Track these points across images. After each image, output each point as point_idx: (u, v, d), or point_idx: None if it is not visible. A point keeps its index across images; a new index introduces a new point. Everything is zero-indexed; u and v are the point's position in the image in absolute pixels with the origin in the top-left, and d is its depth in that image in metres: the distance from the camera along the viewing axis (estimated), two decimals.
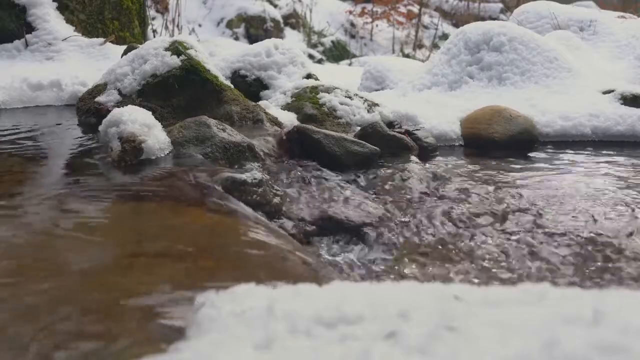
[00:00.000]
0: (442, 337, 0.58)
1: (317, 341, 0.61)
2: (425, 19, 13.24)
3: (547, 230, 1.70)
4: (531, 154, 2.86)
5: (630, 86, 3.64)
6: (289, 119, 2.53)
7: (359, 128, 2.56)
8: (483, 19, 11.06)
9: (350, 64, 9.35)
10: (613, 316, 0.60)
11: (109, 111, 1.95)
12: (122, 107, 1.93)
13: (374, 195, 1.92)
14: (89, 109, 2.43)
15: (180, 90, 2.35)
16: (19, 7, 3.72)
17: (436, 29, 12.74)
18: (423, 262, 1.50)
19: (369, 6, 12.41)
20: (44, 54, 3.60)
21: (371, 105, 2.87)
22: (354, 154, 2.16)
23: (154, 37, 5.88)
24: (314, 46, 11.01)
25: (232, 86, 2.58)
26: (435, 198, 1.99)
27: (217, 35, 9.67)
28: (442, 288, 0.76)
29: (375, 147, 2.24)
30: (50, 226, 1.25)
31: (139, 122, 1.80)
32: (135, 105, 2.08)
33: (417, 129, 2.77)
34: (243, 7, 10.67)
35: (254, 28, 10.44)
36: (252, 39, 9.75)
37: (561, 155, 2.85)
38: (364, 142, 2.23)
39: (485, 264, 1.50)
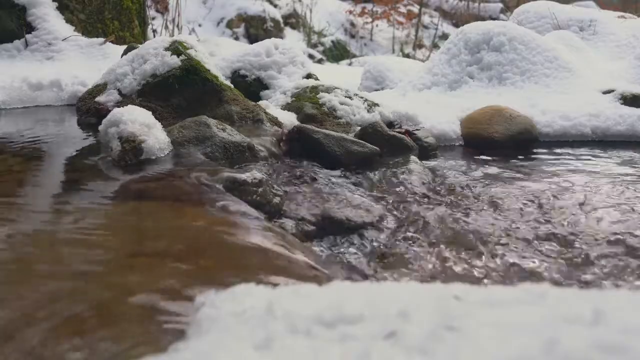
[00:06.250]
0: (442, 337, 0.58)
1: (317, 341, 0.61)
2: (425, 19, 13.24)
3: (548, 230, 1.70)
4: (531, 154, 2.86)
5: (630, 86, 3.64)
6: (289, 119, 2.53)
7: (359, 128, 2.56)
8: (483, 18, 11.06)
9: (350, 64, 9.35)
10: (613, 316, 0.60)
11: (109, 111, 1.95)
12: (122, 107, 1.93)
13: (374, 195, 1.92)
14: (89, 109, 2.43)
15: (180, 90, 2.35)
16: (19, 7, 3.72)
17: (436, 29, 12.74)
18: (423, 261, 1.50)
19: (369, 6, 12.41)
20: (44, 53, 3.60)
21: (371, 105, 2.87)
22: (354, 153, 2.16)
23: (154, 37, 5.88)
24: (314, 46, 11.01)
25: (232, 86, 2.58)
26: (435, 198, 1.98)
27: (217, 35, 9.67)
28: (442, 288, 0.76)
29: (375, 147, 2.24)
30: (51, 226, 1.25)
31: (138, 122, 1.80)
32: (135, 105, 2.08)
33: (417, 129, 2.77)
34: (243, 7, 10.68)
35: (254, 28, 10.44)
36: (252, 38, 9.75)
37: (561, 155, 2.85)
38: (364, 142, 2.23)
39: (484, 263, 1.50)
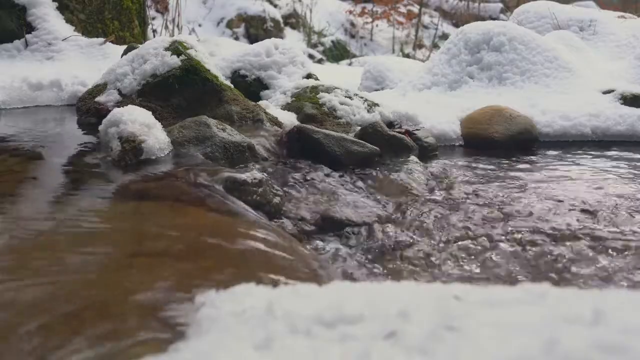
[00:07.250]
0: (442, 337, 0.58)
1: (317, 341, 0.61)
2: (425, 19, 13.25)
3: (544, 231, 1.70)
4: (531, 154, 2.86)
5: (630, 86, 3.64)
6: (289, 119, 2.53)
7: (359, 128, 2.56)
8: (483, 18, 11.07)
9: (350, 64, 9.35)
10: (613, 316, 0.60)
11: (109, 111, 1.95)
12: (122, 107, 1.93)
13: (373, 195, 1.92)
14: (89, 109, 2.43)
15: (180, 90, 2.35)
16: (19, 7, 3.72)
17: (436, 29, 12.75)
18: (423, 261, 1.50)
19: (369, 6, 12.42)
20: (44, 53, 3.60)
21: (371, 105, 2.87)
22: (354, 153, 2.16)
23: (154, 37, 5.88)
24: (314, 46, 11.01)
25: (232, 86, 2.58)
26: (435, 197, 1.99)
27: (217, 35, 9.67)
28: (442, 288, 0.76)
29: (375, 147, 2.24)
30: (51, 225, 1.25)
31: (138, 122, 1.80)
32: (135, 105, 2.08)
33: (417, 129, 2.77)
34: (243, 7, 10.68)
35: (254, 28, 10.45)
36: (252, 38, 9.75)
37: (561, 155, 2.85)
38: (364, 142, 2.23)
39: (483, 263, 1.50)
